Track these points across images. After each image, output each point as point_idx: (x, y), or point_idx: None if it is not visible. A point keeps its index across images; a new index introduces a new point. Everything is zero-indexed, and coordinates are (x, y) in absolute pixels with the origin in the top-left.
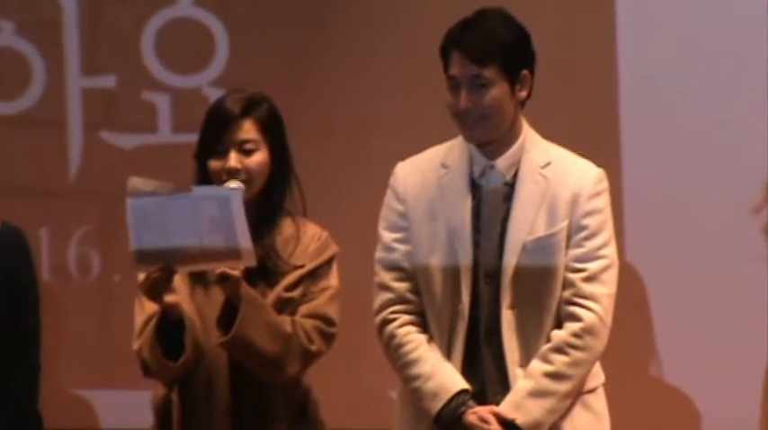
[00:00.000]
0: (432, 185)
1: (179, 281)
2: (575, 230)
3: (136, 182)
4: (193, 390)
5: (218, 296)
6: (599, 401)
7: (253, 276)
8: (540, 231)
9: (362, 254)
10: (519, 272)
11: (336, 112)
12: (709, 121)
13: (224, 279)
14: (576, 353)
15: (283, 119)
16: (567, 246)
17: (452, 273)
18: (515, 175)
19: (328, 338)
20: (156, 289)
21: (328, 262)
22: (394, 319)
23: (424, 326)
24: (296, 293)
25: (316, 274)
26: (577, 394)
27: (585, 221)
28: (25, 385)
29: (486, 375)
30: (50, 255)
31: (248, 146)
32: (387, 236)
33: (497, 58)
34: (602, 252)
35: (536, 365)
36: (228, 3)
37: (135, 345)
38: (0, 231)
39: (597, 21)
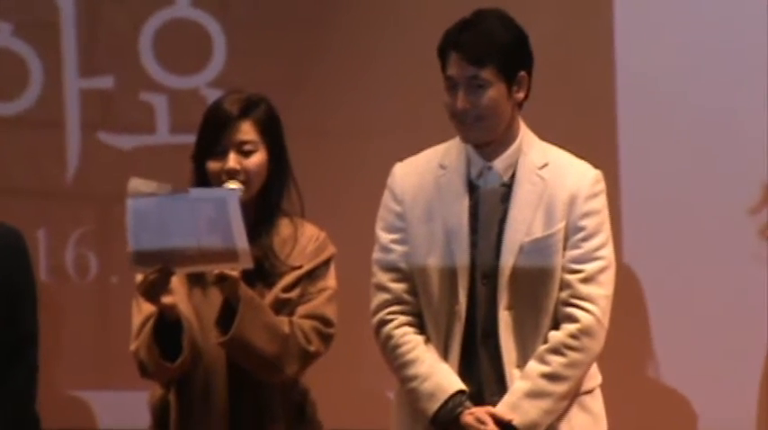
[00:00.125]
0: (429, 186)
1: (177, 282)
2: (572, 231)
3: (136, 182)
4: (191, 391)
5: (215, 297)
6: (596, 402)
7: (251, 277)
8: (538, 232)
9: (360, 254)
10: (516, 273)
11: (334, 113)
12: (706, 122)
13: (222, 280)
14: (572, 354)
15: (281, 119)
16: (565, 248)
17: (449, 274)
18: (513, 176)
19: (326, 339)
20: (154, 290)
21: (326, 262)
22: (391, 320)
23: (421, 326)
24: (294, 294)
25: (313, 275)
26: (574, 395)
27: (583, 222)
28: (23, 386)
29: (483, 376)
30: (48, 256)
31: (247, 147)
32: (384, 236)
33: (495, 58)
34: (599, 253)
35: (533, 366)
36: (226, 4)
37: (132, 346)
38: None
39: (595, 22)
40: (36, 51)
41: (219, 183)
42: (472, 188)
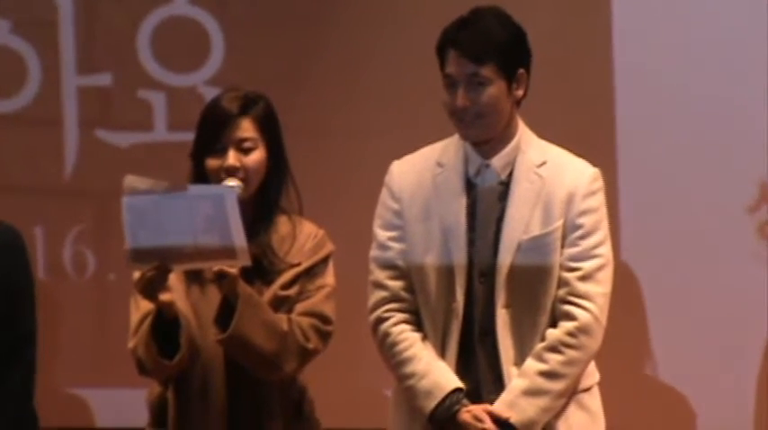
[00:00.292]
0: (427, 184)
1: (175, 279)
2: (570, 229)
3: (132, 180)
4: (189, 389)
5: (213, 294)
6: (594, 400)
7: (249, 274)
8: (535, 230)
9: (358, 252)
10: (514, 271)
11: (332, 111)
12: (704, 120)
13: (221, 277)
14: (570, 352)
15: (279, 117)
16: (563, 246)
17: (447, 272)
18: (510, 174)
19: (325, 336)
20: (152, 287)
21: (324, 260)
22: (388, 318)
23: (418, 324)
24: (292, 291)
25: (312, 273)
26: (572, 393)
27: (580, 220)
28: (21, 384)
29: (481, 374)
30: (45, 254)
31: (246, 144)
32: (381, 234)
33: (494, 56)
34: (597, 251)
35: (530, 364)
36: (224, 2)
37: (130, 344)
38: None
39: (593, 19)
40: (34, 49)
41: (219, 181)
42: (470, 186)
